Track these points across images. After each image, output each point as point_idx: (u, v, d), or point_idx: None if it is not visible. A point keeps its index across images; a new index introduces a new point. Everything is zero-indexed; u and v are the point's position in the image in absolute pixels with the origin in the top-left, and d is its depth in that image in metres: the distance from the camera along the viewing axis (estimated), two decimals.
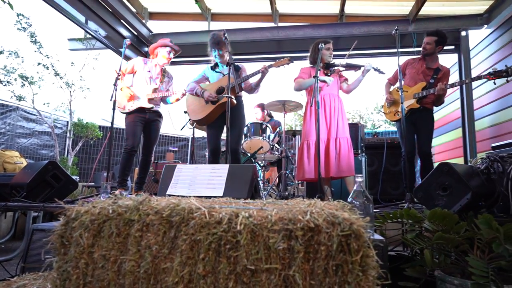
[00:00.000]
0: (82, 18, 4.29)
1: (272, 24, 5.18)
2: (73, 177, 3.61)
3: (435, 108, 3.34)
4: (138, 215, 0.99)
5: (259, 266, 0.87)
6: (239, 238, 0.89)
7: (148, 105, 3.37)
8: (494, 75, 2.71)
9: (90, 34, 4.65)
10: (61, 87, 7.89)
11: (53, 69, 7.67)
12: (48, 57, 7.52)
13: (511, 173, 1.94)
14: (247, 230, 0.89)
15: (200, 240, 0.92)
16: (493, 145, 2.53)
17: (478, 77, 2.91)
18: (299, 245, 0.86)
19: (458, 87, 4.71)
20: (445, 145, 5.70)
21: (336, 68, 3.20)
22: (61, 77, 7.81)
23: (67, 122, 7.87)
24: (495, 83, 2.78)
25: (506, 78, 2.67)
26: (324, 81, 3.03)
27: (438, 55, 3.33)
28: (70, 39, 5.72)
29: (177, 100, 3.53)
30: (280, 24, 5.17)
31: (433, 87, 3.07)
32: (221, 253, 0.90)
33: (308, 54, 3.26)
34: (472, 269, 1.33)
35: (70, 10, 4.08)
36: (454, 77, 5.21)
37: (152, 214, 0.98)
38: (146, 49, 5.35)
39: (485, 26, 4.43)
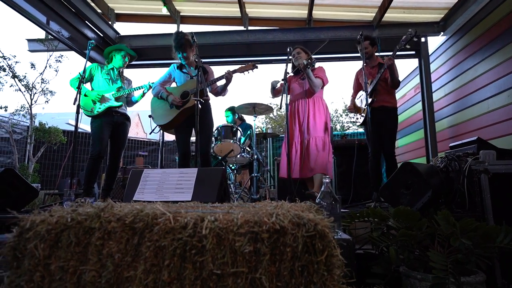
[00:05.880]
0: (43, 19, 4.07)
1: (242, 28, 5.20)
2: (34, 184, 3.41)
3: (399, 110, 3.50)
4: (99, 222, 0.94)
5: (225, 270, 0.86)
6: (205, 242, 0.87)
7: (117, 103, 3.28)
8: (405, 40, 3.07)
9: (51, 35, 4.43)
10: (20, 90, 7.45)
11: (11, 71, 7.22)
12: (4, 58, 7.08)
13: (466, 171, 2.06)
14: (213, 234, 0.88)
15: (164, 246, 0.89)
16: (451, 144, 2.68)
17: (396, 50, 3.17)
18: (265, 247, 0.86)
19: (420, 91, 4.96)
20: (409, 145, 5.97)
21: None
22: (20, 80, 7.37)
23: (28, 127, 7.43)
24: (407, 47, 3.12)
25: (412, 36, 3.01)
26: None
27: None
28: (29, 40, 5.42)
29: (144, 95, 3.48)
30: (250, 28, 5.20)
31: (380, 79, 3.24)
32: (187, 259, 0.88)
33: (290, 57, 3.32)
34: (433, 263, 1.39)
35: (30, 10, 3.86)
36: (415, 81, 5.49)
37: (114, 221, 0.94)
38: None
39: (442, 33, 4.70)
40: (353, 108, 3.60)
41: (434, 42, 5.09)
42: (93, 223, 0.94)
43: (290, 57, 3.24)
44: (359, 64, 3.49)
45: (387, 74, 3.18)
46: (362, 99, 3.44)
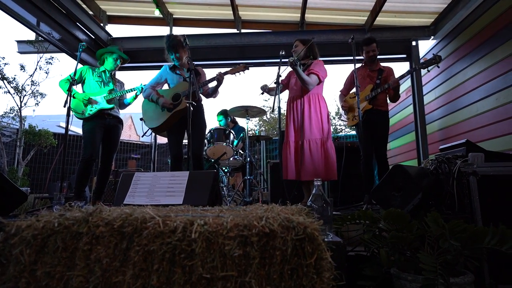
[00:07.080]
0: (33, 20, 4.02)
1: (234, 31, 5.21)
2: (23, 188, 3.35)
3: (391, 113, 3.53)
4: (87, 227, 0.93)
5: (214, 274, 0.85)
6: (194, 246, 0.87)
7: (109, 105, 3.25)
8: (426, 64, 3.14)
9: (42, 37, 4.38)
10: (9, 92, 7.33)
11: (0, 73, 7.12)
12: None
13: (456, 173, 2.08)
14: (202, 238, 0.87)
15: (153, 251, 0.89)
16: (441, 147, 2.70)
17: (417, 68, 3.36)
18: (255, 251, 0.86)
19: (411, 95, 5.02)
20: (401, 147, 6.03)
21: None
22: (9, 82, 7.26)
23: (17, 129, 7.32)
24: (428, 70, 3.20)
25: (437, 65, 3.10)
26: None
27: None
28: (19, 41, 5.35)
29: (136, 97, 3.46)
30: (243, 31, 5.22)
31: (380, 86, 3.26)
32: (176, 263, 0.88)
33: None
34: (423, 265, 1.40)
35: (20, 12, 3.80)
36: (406, 84, 5.56)
37: (102, 225, 0.93)
38: None
39: (432, 37, 4.78)
40: (347, 106, 3.57)
41: (424, 45, 5.18)
42: (81, 227, 0.93)
43: (286, 60, 3.17)
44: (352, 67, 3.45)
45: (385, 84, 3.23)
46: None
